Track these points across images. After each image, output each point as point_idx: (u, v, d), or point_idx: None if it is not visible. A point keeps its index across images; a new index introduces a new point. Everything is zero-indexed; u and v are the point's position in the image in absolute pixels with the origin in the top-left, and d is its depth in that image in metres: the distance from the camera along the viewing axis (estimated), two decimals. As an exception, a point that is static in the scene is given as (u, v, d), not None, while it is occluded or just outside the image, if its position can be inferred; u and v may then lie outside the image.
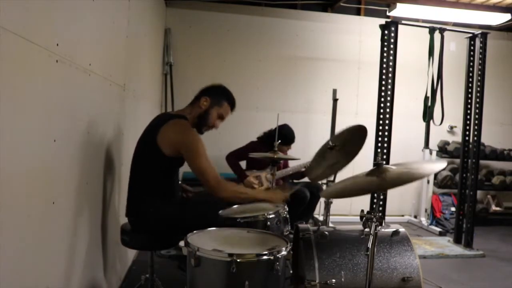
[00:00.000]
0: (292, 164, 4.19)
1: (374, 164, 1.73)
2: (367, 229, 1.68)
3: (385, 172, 1.69)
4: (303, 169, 4.06)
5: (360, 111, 5.61)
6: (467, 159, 4.43)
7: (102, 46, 2.28)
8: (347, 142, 2.29)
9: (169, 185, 2.38)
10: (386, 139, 3.94)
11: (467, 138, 4.41)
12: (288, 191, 2.68)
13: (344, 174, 2.72)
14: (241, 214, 2.35)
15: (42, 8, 1.46)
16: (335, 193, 2.07)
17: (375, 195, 3.70)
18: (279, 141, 3.35)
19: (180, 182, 2.60)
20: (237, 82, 5.31)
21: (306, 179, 4.26)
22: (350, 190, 1.81)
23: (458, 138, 5.56)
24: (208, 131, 2.49)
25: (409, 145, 5.59)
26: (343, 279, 1.96)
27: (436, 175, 5.51)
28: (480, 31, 4.35)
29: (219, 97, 2.45)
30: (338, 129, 2.94)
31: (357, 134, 2.28)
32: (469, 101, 4.40)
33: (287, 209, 2.57)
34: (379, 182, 1.66)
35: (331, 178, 3.20)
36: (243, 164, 4.16)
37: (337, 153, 2.31)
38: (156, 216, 2.25)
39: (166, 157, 2.24)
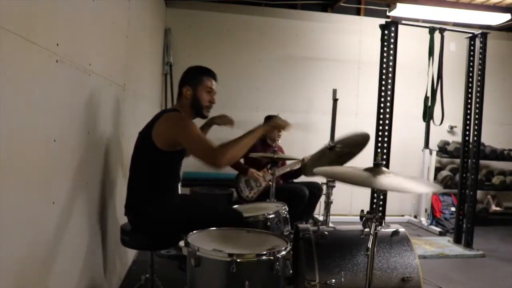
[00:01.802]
0: (289, 162, 4.24)
1: (374, 164, 1.73)
2: (367, 229, 1.68)
3: (380, 173, 1.68)
4: (299, 166, 4.12)
5: (360, 111, 5.61)
6: (467, 159, 4.42)
7: (102, 46, 2.28)
8: (347, 146, 2.30)
9: (169, 184, 2.39)
10: (386, 139, 3.94)
11: (467, 138, 4.41)
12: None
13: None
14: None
15: (42, 8, 1.47)
16: (325, 172, 2.04)
17: (375, 195, 3.70)
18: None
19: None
20: (237, 82, 5.32)
21: (306, 179, 4.29)
22: (341, 174, 1.79)
23: (458, 138, 5.56)
24: (210, 109, 2.46)
25: (409, 145, 5.59)
26: (343, 279, 1.96)
27: (436, 175, 5.50)
28: (480, 31, 4.35)
29: (195, 78, 2.44)
30: (338, 129, 2.96)
31: (359, 141, 2.29)
32: (469, 101, 4.40)
33: (287, 209, 2.58)
34: (370, 179, 1.65)
35: (331, 178, 3.21)
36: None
37: (335, 153, 2.31)
38: (155, 215, 2.25)
39: (162, 152, 2.24)
